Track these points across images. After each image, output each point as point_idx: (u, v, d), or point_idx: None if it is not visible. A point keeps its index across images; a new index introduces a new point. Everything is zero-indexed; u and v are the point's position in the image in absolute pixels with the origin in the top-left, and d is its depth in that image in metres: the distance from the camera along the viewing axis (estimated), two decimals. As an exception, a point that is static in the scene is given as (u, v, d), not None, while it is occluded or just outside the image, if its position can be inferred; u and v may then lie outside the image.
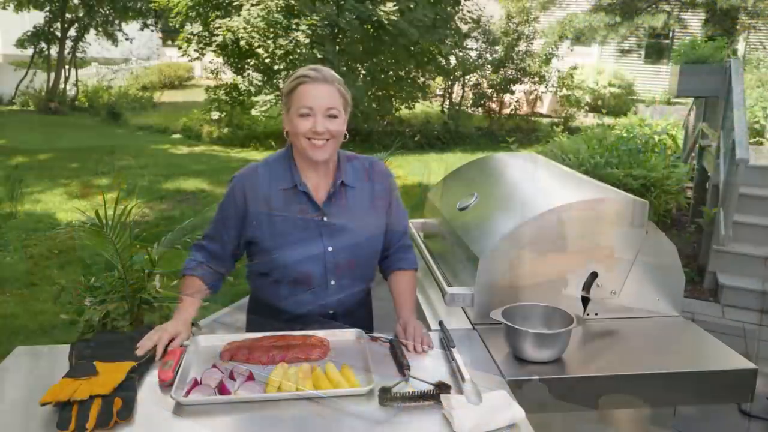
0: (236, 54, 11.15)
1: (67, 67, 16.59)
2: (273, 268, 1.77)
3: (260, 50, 10.46)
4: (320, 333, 1.72)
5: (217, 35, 10.67)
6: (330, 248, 1.75)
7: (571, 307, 1.84)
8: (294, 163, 1.75)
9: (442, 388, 1.42)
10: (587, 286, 1.89)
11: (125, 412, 1.33)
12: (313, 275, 1.76)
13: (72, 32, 16.60)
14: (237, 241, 1.80)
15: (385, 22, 10.77)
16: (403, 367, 1.53)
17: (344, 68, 11.09)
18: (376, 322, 2.12)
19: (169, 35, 21.72)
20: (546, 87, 14.57)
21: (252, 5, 10.35)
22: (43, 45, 16.32)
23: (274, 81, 10.70)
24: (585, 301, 1.90)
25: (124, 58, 20.89)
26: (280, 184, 1.74)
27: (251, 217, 1.74)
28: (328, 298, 1.80)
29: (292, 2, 10.30)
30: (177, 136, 12.75)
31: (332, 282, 1.79)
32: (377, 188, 1.82)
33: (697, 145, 6.61)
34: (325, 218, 1.75)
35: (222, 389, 1.44)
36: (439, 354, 1.67)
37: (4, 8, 15.92)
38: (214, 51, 11.29)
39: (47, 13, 15.98)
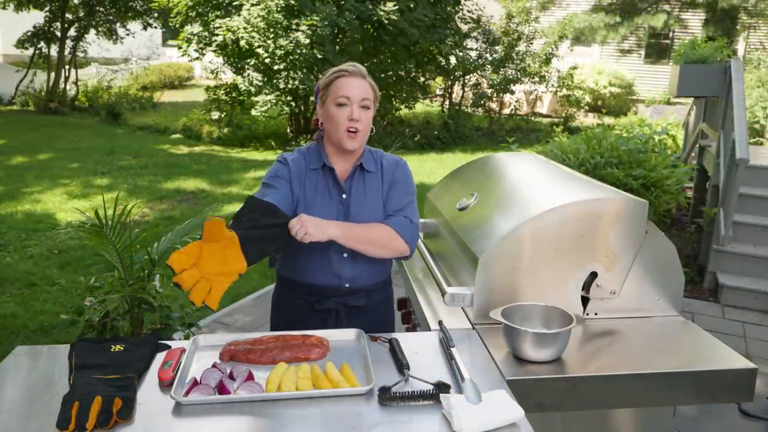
0: (236, 54, 11.14)
1: (67, 67, 16.57)
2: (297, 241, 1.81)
3: (260, 50, 10.47)
4: (320, 333, 1.72)
5: (217, 35, 10.67)
6: None
7: (571, 307, 1.84)
8: (324, 147, 1.94)
9: (441, 387, 1.43)
10: (587, 286, 1.89)
11: (125, 411, 1.33)
12: (330, 245, 1.83)
13: (72, 32, 16.59)
14: (289, 195, 1.87)
15: (385, 22, 10.76)
16: (402, 367, 1.53)
17: (344, 68, 11.07)
18: None
19: (169, 35, 21.72)
20: (546, 87, 14.57)
21: (252, 5, 10.35)
22: (43, 45, 16.31)
23: (274, 81, 10.69)
24: (584, 300, 1.91)
25: (124, 58, 20.87)
26: (312, 165, 1.93)
27: (293, 182, 1.89)
28: (343, 271, 1.90)
29: (292, 2, 10.30)
30: (177, 136, 12.75)
31: (345, 254, 1.88)
32: (385, 174, 1.96)
33: (697, 145, 6.61)
34: (344, 195, 1.91)
35: (221, 389, 1.44)
36: (438, 354, 1.67)
37: (4, 8, 15.90)
38: (214, 51, 11.28)
39: (47, 13, 15.96)
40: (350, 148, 1.86)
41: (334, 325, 1.91)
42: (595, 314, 1.92)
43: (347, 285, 1.92)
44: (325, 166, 1.91)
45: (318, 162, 1.92)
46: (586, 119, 15.13)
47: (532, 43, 13.98)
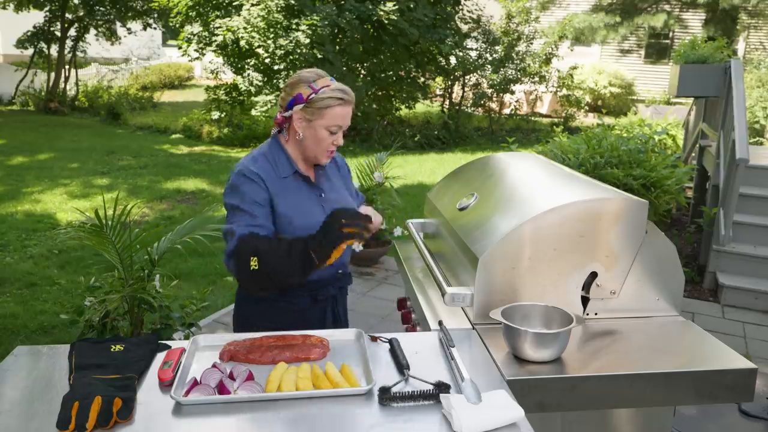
0: (236, 54, 11.15)
1: (67, 67, 16.57)
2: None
3: (260, 50, 10.46)
4: (320, 333, 1.72)
5: (217, 35, 10.67)
6: None
7: (571, 306, 1.84)
8: (288, 154, 1.97)
9: (441, 387, 1.43)
10: (587, 286, 1.89)
11: (125, 411, 1.33)
12: None
13: (72, 32, 16.58)
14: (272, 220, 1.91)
15: (385, 22, 10.77)
16: (402, 367, 1.53)
17: (344, 68, 11.08)
18: (376, 321, 2.16)
19: (169, 35, 21.73)
20: (546, 87, 14.56)
21: (252, 5, 10.35)
22: (43, 45, 16.31)
23: (274, 81, 10.69)
24: (585, 301, 1.91)
25: (124, 58, 20.87)
26: (281, 172, 1.94)
27: (273, 198, 1.90)
28: (339, 260, 1.97)
29: (292, 2, 10.30)
30: (177, 136, 12.75)
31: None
32: (341, 168, 2.15)
33: (697, 145, 6.61)
34: (322, 195, 2.00)
35: (221, 389, 1.44)
36: (438, 354, 1.67)
37: (4, 8, 15.90)
38: (214, 51, 11.29)
39: (47, 13, 15.96)
40: (325, 164, 2.00)
41: (333, 310, 2.06)
42: (595, 314, 1.92)
43: (340, 271, 2.06)
44: (296, 172, 1.96)
45: (288, 170, 1.94)
46: (586, 119, 15.13)
47: (532, 43, 13.97)
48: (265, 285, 1.83)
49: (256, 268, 1.74)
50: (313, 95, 1.85)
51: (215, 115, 12.19)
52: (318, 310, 2.02)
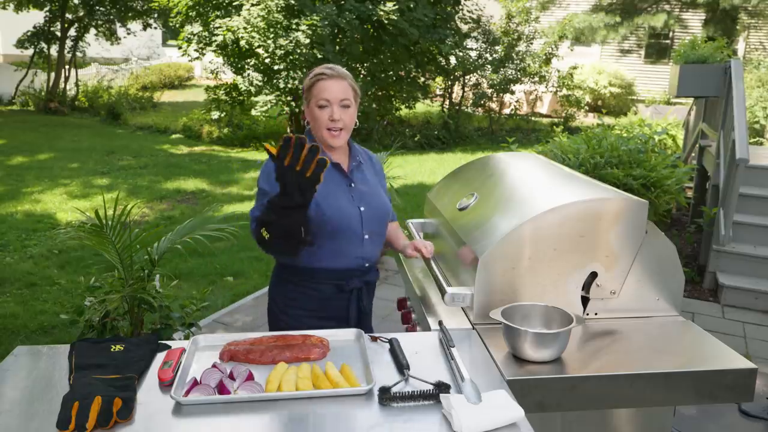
0: (236, 54, 11.14)
1: (67, 67, 16.57)
2: (319, 226, 1.94)
3: (260, 50, 10.46)
4: (320, 333, 1.72)
5: (217, 35, 10.67)
6: (362, 208, 2.04)
7: (571, 306, 1.84)
8: (320, 144, 2.01)
9: (441, 387, 1.43)
10: (587, 286, 1.89)
11: (125, 411, 1.33)
12: (354, 230, 2.02)
13: (72, 32, 16.59)
14: None
15: (385, 22, 10.76)
16: (402, 367, 1.53)
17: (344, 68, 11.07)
18: (376, 321, 2.17)
19: (169, 35, 21.74)
20: (546, 87, 14.56)
21: (252, 5, 10.35)
22: (43, 45, 16.31)
23: (274, 81, 10.69)
24: (585, 301, 1.91)
25: (124, 58, 20.87)
26: None
27: None
28: (365, 251, 2.05)
29: (292, 2, 10.30)
30: (177, 136, 12.75)
31: (366, 237, 2.05)
32: (377, 168, 2.24)
33: (697, 145, 6.61)
34: (353, 185, 2.06)
35: (221, 389, 1.44)
36: (438, 354, 1.67)
37: (4, 8, 15.90)
38: (214, 51, 11.28)
39: (47, 13, 15.96)
40: (334, 145, 2.01)
41: (358, 302, 2.08)
42: (595, 314, 1.92)
43: (366, 264, 2.08)
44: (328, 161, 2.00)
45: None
46: (586, 119, 15.13)
47: (532, 43, 13.97)
48: (278, 249, 1.90)
49: (268, 236, 1.81)
50: (305, 80, 2.02)
51: (215, 115, 12.18)
52: (343, 300, 2.05)
